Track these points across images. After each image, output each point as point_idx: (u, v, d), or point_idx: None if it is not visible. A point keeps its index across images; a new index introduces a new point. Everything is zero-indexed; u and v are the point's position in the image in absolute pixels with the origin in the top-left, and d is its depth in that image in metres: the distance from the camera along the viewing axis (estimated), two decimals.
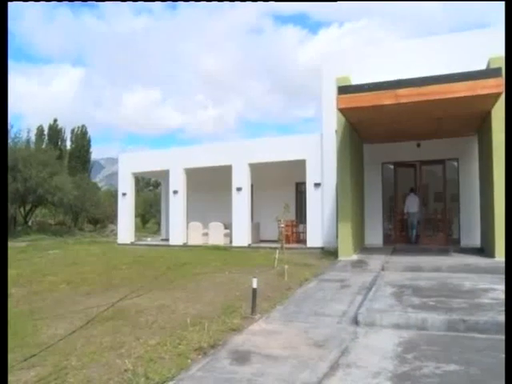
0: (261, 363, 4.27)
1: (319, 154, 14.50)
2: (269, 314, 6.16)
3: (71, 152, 40.20)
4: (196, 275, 9.72)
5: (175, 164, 17.36)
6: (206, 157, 16.68)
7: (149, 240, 21.10)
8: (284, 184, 17.56)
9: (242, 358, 4.43)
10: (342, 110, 10.81)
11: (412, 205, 14.45)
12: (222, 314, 6.08)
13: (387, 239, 14.65)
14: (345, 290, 7.68)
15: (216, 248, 15.51)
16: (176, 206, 17.37)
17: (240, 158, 15.91)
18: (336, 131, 11.92)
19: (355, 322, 5.61)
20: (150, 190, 47.14)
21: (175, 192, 17.36)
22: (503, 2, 4.42)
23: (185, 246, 16.78)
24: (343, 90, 10.70)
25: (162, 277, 9.58)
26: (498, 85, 9.49)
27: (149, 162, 18.49)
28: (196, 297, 7.38)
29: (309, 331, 5.35)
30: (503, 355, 4.41)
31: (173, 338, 5.02)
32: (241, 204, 15.87)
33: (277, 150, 15.36)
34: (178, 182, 17.32)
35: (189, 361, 4.34)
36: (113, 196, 33.04)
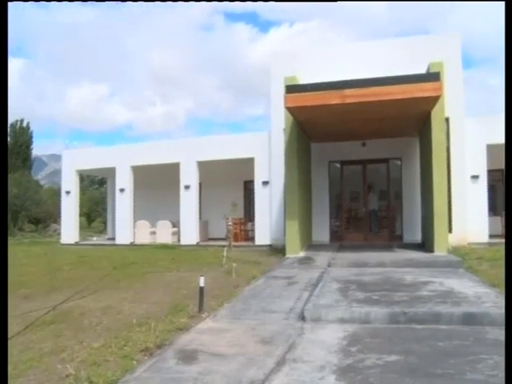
0: (208, 362, 4.27)
1: (267, 152, 14.61)
2: (216, 312, 6.16)
3: (10, 148, 38.33)
4: (143, 275, 9.57)
5: (122, 161, 16.98)
6: (153, 154, 16.42)
7: (94, 239, 20.55)
8: (232, 182, 17.58)
9: (188, 357, 4.40)
10: (289, 109, 10.95)
11: (371, 202, 15.14)
12: (169, 313, 6.02)
13: (334, 236, 14.97)
14: (292, 287, 7.79)
15: (164, 247, 15.32)
16: (122, 205, 17.01)
17: (188, 156, 15.77)
18: (284, 130, 12.06)
19: (302, 317, 5.71)
20: (96, 188, 45.86)
21: (122, 190, 17.00)
22: (503, 2, 4.58)
23: (132, 245, 16.46)
24: (291, 89, 10.85)
25: (108, 277, 9.36)
26: (436, 88, 9.94)
27: (94, 159, 17.98)
28: (143, 297, 7.27)
29: (256, 328, 5.39)
30: (440, 343, 4.66)
31: (118, 339, 4.91)
32: (189, 202, 15.74)
33: (225, 147, 15.34)
34: (124, 180, 16.96)
35: (134, 362, 4.26)
36: (56, 194, 31.86)
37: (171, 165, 15.86)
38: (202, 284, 6.11)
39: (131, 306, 6.60)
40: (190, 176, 15.78)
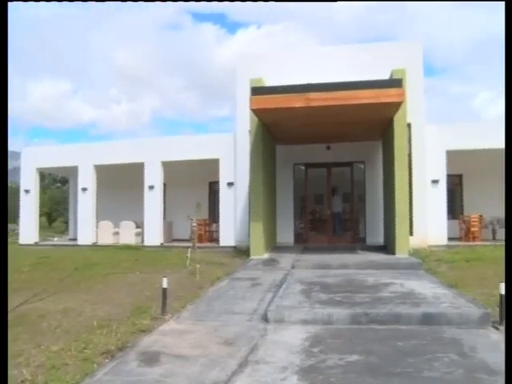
0: (170, 363, 4.24)
1: (232, 153, 14.60)
2: (179, 314, 6.12)
3: None
4: (105, 276, 9.40)
5: (85, 160, 16.62)
6: (117, 153, 16.14)
7: (55, 240, 20.03)
8: (197, 183, 17.48)
9: (151, 359, 4.36)
10: (255, 111, 10.99)
11: (335, 204, 15.37)
12: (131, 315, 5.94)
13: (298, 238, 15.10)
14: (256, 288, 7.82)
15: (127, 247, 15.09)
16: (85, 205, 16.65)
17: (153, 156, 15.58)
18: (249, 131, 12.08)
19: (265, 319, 5.74)
20: (58, 187, 44.68)
21: (84, 189, 16.64)
22: (503, 2, 4.68)
23: (94, 245, 16.13)
24: (256, 91, 10.89)
25: (69, 278, 9.14)
26: (399, 94, 10.18)
27: (56, 157, 17.50)
28: (105, 298, 7.14)
29: (219, 330, 5.39)
30: (400, 343, 4.77)
31: (78, 342, 4.81)
32: (153, 203, 15.56)
33: (190, 148, 15.24)
34: (87, 179, 16.60)
35: (95, 365, 4.18)
36: (15, 193, 30.91)
37: (135, 164, 15.64)
38: (165, 285, 6.06)
39: (93, 307, 6.47)
40: (154, 176, 15.60)
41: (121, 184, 18.04)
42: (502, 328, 5.24)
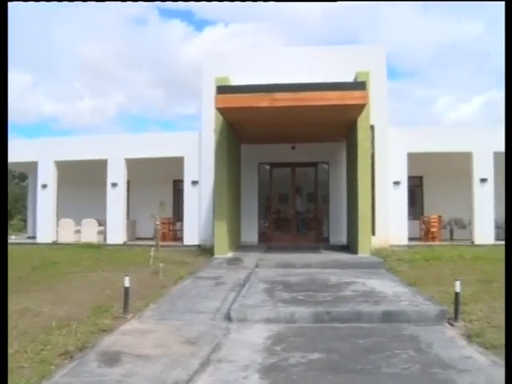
0: (132, 363, 4.19)
1: (197, 151, 14.51)
2: (142, 313, 6.05)
3: None
4: (66, 275, 9.16)
5: (45, 156, 16.14)
6: (79, 149, 15.75)
7: (13, 238, 19.38)
8: (162, 181, 17.28)
9: (112, 359, 4.29)
10: (220, 110, 10.95)
11: (298, 204, 15.51)
12: (92, 314, 5.83)
13: (262, 237, 15.15)
14: (219, 287, 7.81)
15: (89, 246, 14.77)
16: (45, 202, 16.18)
17: (116, 153, 15.30)
18: (214, 130, 12.04)
19: (228, 318, 5.74)
20: (16, 183, 43.36)
21: (44, 186, 16.17)
22: (503, 2, 4.77)
23: (54, 244, 15.71)
24: (222, 89, 10.86)
25: (27, 278, 8.87)
26: (363, 96, 10.36)
27: (14, 151, 16.91)
28: (65, 298, 6.97)
29: (182, 329, 5.36)
30: (361, 341, 4.87)
31: (35, 343, 4.66)
32: (116, 200, 15.28)
33: (155, 145, 15.04)
34: (47, 176, 16.14)
35: (52, 367, 4.07)
36: None
37: (98, 161, 15.33)
38: (127, 284, 5.97)
39: (51, 307, 6.30)
40: (117, 173, 15.32)
41: (83, 181, 17.63)
42: (457, 324, 5.44)
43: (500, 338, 4.82)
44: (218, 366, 4.17)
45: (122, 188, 15.38)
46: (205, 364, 4.20)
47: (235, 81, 12.21)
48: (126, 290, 5.96)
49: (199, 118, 14.68)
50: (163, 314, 6.11)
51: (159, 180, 17.17)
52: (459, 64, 58.45)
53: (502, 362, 4.21)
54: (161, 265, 8.98)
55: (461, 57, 57.95)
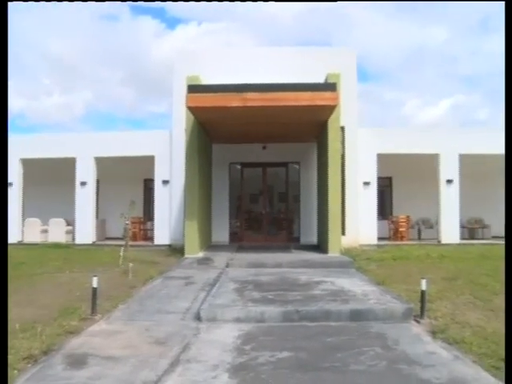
0: (99, 365, 4.13)
1: (168, 150, 14.40)
2: (110, 314, 5.97)
3: None
4: (31, 276, 8.94)
5: (10, 153, 15.71)
6: (46, 147, 15.41)
7: None
8: (132, 180, 17.07)
9: (78, 361, 4.22)
10: (191, 109, 10.89)
11: (266, 204, 15.56)
12: (59, 316, 5.70)
13: (234, 237, 15.14)
14: (189, 287, 7.77)
15: (57, 246, 14.47)
16: (10, 201, 15.77)
17: (85, 151, 15.03)
18: (185, 129, 11.96)
19: (198, 318, 5.72)
20: None
21: (9, 185, 15.76)
22: (503, 2, 4.83)
23: (20, 244, 15.32)
24: (193, 88, 10.80)
25: None
26: (333, 98, 10.46)
27: None
28: (30, 300, 6.80)
29: (151, 329, 5.31)
30: (329, 339, 4.93)
31: None
32: (85, 199, 15.02)
33: (125, 144, 14.86)
34: (13, 174, 15.70)
35: (15, 372, 3.93)
36: None
37: (67, 159, 15.03)
38: (95, 285, 5.88)
39: (16, 310, 6.12)
40: (86, 172, 15.05)
41: (51, 180, 17.25)
42: (423, 321, 5.57)
43: (462, 333, 5.00)
44: (187, 366, 4.16)
45: (91, 187, 15.13)
46: (174, 364, 4.17)
47: (207, 80, 12.16)
48: (94, 290, 5.87)
49: (170, 117, 14.56)
50: (132, 314, 6.04)
51: (130, 179, 16.95)
52: (427, 68, 59.76)
53: (464, 356, 4.37)
54: (130, 265, 8.88)
55: (429, 61, 59.25)
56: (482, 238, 15.40)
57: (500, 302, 6.36)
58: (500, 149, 14.68)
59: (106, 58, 57.68)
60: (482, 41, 58.19)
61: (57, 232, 15.75)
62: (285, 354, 4.47)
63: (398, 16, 58.92)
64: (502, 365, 4.05)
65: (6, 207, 4.52)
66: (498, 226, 15.94)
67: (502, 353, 4.31)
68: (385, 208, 16.54)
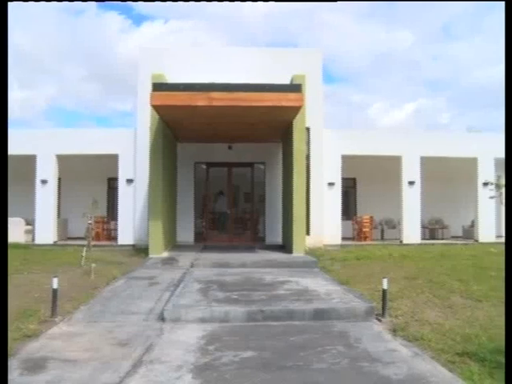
0: (59, 369, 4.04)
1: (133, 149, 14.19)
2: (71, 316, 5.84)
3: None
4: None
5: None
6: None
7: None
8: (95, 178, 16.71)
9: (36, 366, 4.11)
10: (155, 107, 10.76)
11: (222, 205, 15.54)
12: (16, 319, 5.51)
13: (198, 237, 15.05)
14: (153, 288, 7.69)
15: (15, 246, 13.98)
16: None
17: (46, 148, 14.62)
18: (150, 128, 11.81)
19: (161, 318, 5.68)
20: None
21: None
22: (503, 2, 4.88)
23: None
24: (158, 87, 10.67)
25: None
26: (298, 99, 10.53)
27: None
28: None
29: (114, 331, 5.23)
30: (293, 338, 4.97)
31: None
32: (46, 198, 14.61)
33: (88, 142, 14.53)
34: None
35: None
36: None
37: (26, 157, 14.60)
38: (55, 286, 5.74)
39: None
40: (47, 170, 14.64)
41: (9, 178, 16.73)
42: (384, 319, 5.70)
43: (421, 330, 5.14)
44: (150, 367, 4.11)
45: (52, 185, 14.74)
46: (137, 365, 4.12)
47: (172, 78, 12.04)
48: (55, 291, 5.73)
49: (136, 115, 14.35)
50: (94, 315, 5.93)
51: (93, 177, 16.59)
52: (392, 72, 61.10)
53: (422, 353, 4.50)
54: (93, 265, 8.71)
55: (395, 65, 60.60)
56: (442, 238, 15.84)
57: (457, 299, 6.60)
58: (460, 152, 15.23)
59: (70, 53, 56.37)
60: (445, 46, 60.02)
61: (15, 231, 15.22)
62: (249, 353, 4.48)
63: (366, 20, 60.05)
64: (458, 359, 4.24)
65: (6, 207, 4.40)
66: (457, 227, 16.51)
67: (459, 348, 4.50)
68: (349, 208, 16.79)
